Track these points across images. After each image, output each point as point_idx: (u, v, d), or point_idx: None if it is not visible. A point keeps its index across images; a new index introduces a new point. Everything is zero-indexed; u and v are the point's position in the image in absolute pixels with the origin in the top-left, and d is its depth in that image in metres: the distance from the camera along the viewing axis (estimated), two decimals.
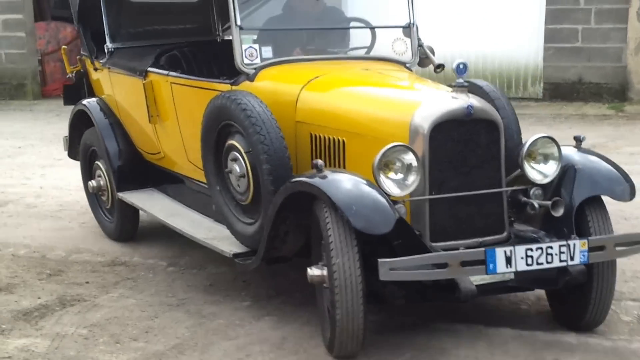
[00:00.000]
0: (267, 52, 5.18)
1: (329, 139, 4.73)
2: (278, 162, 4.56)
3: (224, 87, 5.18)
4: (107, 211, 6.60)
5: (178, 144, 5.76)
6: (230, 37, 5.23)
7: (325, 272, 4.19)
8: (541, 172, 4.53)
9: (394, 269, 3.92)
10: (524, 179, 4.54)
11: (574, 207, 4.43)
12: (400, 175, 4.21)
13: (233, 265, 5.07)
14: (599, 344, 4.52)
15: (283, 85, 5.06)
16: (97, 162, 6.57)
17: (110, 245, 6.39)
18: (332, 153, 4.73)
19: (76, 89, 6.98)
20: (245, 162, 4.75)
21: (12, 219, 7.27)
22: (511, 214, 4.58)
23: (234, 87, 5.13)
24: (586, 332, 4.62)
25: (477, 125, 4.39)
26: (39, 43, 14.82)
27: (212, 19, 6.72)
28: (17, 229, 6.93)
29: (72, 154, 7.01)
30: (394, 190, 4.18)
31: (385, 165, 4.18)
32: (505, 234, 4.48)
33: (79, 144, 6.81)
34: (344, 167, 4.64)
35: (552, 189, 4.55)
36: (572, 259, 4.18)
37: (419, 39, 5.59)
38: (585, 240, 4.21)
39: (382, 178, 4.15)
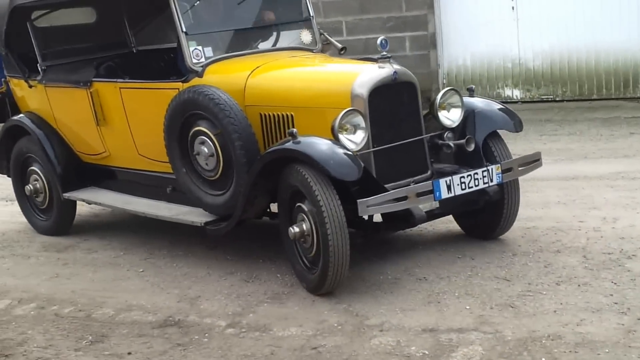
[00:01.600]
0: (209, 51, 6.20)
1: (278, 115, 5.82)
2: (247, 139, 5.61)
3: (176, 85, 6.15)
4: (42, 211, 7.51)
5: (127, 141, 6.66)
6: (146, 47, 6.72)
7: (305, 227, 5.26)
8: (449, 118, 5.82)
9: (370, 205, 5.07)
10: (438, 125, 5.82)
11: (480, 141, 5.77)
12: (352, 134, 5.35)
13: (303, 324, 4.97)
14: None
15: (230, 76, 6.08)
16: (31, 167, 7.39)
17: (165, 300, 5.61)
18: (282, 127, 5.81)
19: (1, 108, 7.70)
20: (213, 143, 5.75)
21: (68, 268, 6.57)
22: (431, 156, 5.84)
23: (185, 85, 6.10)
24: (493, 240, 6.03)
25: (401, 87, 5.62)
26: None
27: (126, 33, 7.62)
28: (69, 281, 6.24)
29: (2, 170, 7.75)
30: (351, 146, 5.32)
31: (340, 127, 5.32)
32: (429, 172, 5.74)
33: (7, 159, 7.57)
34: None
35: (460, 130, 5.85)
36: (491, 180, 5.49)
37: (319, 29, 6.77)
38: (499, 165, 5.55)
39: (342, 137, 5.29)
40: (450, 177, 5.35)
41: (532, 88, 12.17)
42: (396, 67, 5.59)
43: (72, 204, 7.29)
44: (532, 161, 5.75)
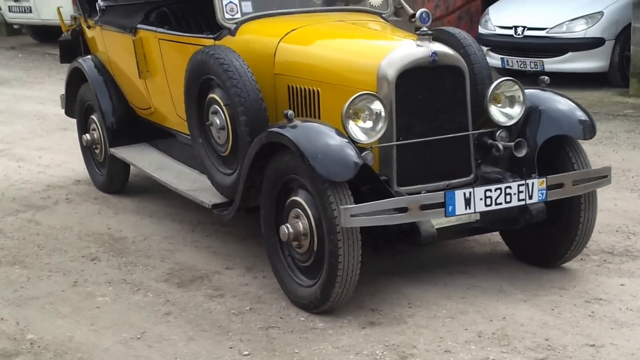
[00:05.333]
0: (247, 6, 5.37)
1: (305, 89, 4.93)
2: (254, 114, 4.77)
3: (207, 42, 5.38)
4: (100, 164, 6.87)
5: (167, 98, 5.98)
6: None
7: (301, 227, 4.40)
8: (506, 114, 4.72)
9: (355, 215, 4.11)
10: (491, 121, 4.74)
11: (537, 147, 4.63)
12: (369, 123, 4.39)
13: None
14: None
15: (262, 38, 5.25)
16: (92, 116, 6.82)
17: None
18: (308, 104, 4.93)
19: (72, 47, 7.20)
20: (224, 115, 4.97)
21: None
22: (479, 157, 4.78)
23: (217, 42, 5.32)
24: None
25: (443, 72, 4.57)
26: (426, 6, 12.56)
27: None
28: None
29: (69, 112, 7.26)
30: (361, 137, 4.37)
31: (354, 113, 4.37)
32: (472, 176, 4.68)
33: (75, 101, 7.07)
34: (319, 117, 4.85)
35: (517, 130, 4.74)
36: (530, 197, 4.38)
37: None
38: (544, 179, 4.41)
39: (351, 126, 4.35)
40: (471, 189, 4.29)
41: None
42: (437, 46, 4.55)
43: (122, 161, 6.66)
44: (596, 178, 4.57)
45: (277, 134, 4.40)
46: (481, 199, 4.30)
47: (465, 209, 4.28)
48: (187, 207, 6.08)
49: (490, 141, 4.73)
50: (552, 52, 10.58)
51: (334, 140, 4.26)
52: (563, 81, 9.51)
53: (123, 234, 5.92)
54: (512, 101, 4.72)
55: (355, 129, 4.36)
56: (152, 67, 6.06)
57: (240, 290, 4.89)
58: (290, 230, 4.45)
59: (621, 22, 10.45)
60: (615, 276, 4.86)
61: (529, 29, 10.70)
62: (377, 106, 4.38)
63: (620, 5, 10.53)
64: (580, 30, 10.52)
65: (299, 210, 4.47)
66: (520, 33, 10.74)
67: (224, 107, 4.96)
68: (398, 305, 4.54)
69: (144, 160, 6.26)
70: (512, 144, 4.60)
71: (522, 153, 4.58)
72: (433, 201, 4.24)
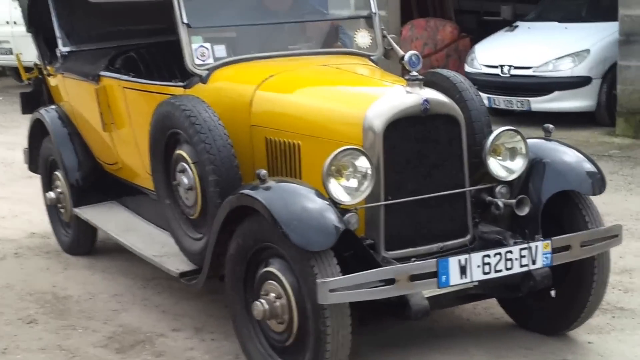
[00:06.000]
0: (220, 50, 4.88)
1: (285, 143, 4.46)
2: (225, 173, 4.28)
3: (176, 90, 4.91)
4: (65, 224, 6.30)
5: (134, 153, 5.48)
6: None
7: (278, 303, 3.88)
8: (507, 168, 4.28)
9: (334, 290, 3.58)
10: (489, 175, 4.29)
11: (542, 204, 4.19)
12: (353, 182, 3.92)
13: None
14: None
15: (237, 86, 4.78)
16: (55, 172, 6.28)
17: None
18: (288, 159, 4.46)
19: (34, 97, 6.71)
20: (193, 173, 4.49)
21: None
22: (476, 215, 4.32)
23: (187, 91, 4.86)
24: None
25: (436, 121, 4.13)
26: (414, 44, 12.48)
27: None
28: None
29: (33, 167, 6.71)
30: (344, 198, 3.89)
31: (337, 170, 3.90)
32: (468, 236, 4.23)
33: (39, 155, 6.54)
34: (300, 174, 4.38)
35: (520, 185, 4.30)
36: (534, 262, 3.92)
37: (382, 29, 5.30)
38: (549, 242, 3.95)
39: (332, 186, 3.87)
40: (467, 255, 3.80)
41: None
42: (429, 93, 4.11)
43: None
44: (606, 237, 4.12)
45: (247, 196, 3.90)
46: (479, 266, 3.81)
47: (461, 278, 3.79)
48: (143, 261, 5.57)
49: (489, 198, 4.28)
50: (538, 91, 10.26)
51: (313, 203, 3.77)
52: (550, 120, 9.09)
53: (68, 292, 5.43)
54: (513, 153, 4.28)
55: (338, 189, 3.88)
56: (118, 118, 5.57)
57: (183, 356, 4.43)
58: (266, 306, 3.92)
59: (608, 60, 10.18)
60: (583, 333, 4.46)
61: (516, 67, 10.41)
62: (362, 163, 3.91)
63: (607, 43, 10.24)
64: (566, 68, 10.28)
65: (274, 282, 3.93)
66: (507, 72, 10.45)
67: (192, 165, 4.48)
68: None
69: (110, 221, 5.71)
70: (514, 201, 4.15)
71: (524, 211, 4.13)
72: (424, 270, 3.73)
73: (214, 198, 4.28)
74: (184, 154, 4.52)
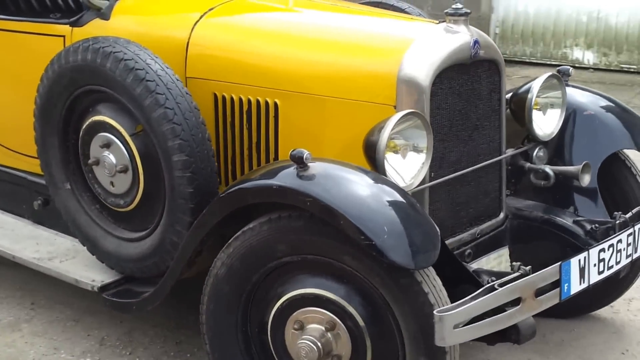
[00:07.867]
0: None
1: (251, 101, 3.20)
2: (197, 149, 2.98)
3: (59, 30, 3.44)
4: None
5: None
6: None
7: (334, 343, 2.69)
8: (542, 126, 3.36)
9: (458, 326, 2.45)
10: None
11: (596, 171, 3.34)
12: (413, 157, 2.81)
13: None
14: None
15: (162, 20, 3.42)
16: None
17: None
18: (255, 125, 3.22)
19: None
20: (129, 149, 3.12)
21: None
22: (510, 187, 3.41)
23: (75, 30, 3.41)
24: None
25: (479, 70, 3.11)
26: None
27: None
28: None
29: None
30: (406, 180, 2.79)
31: (388, 146, 2.76)
32: (502, 215, 3.31)
33: None
34: (276, 147, 3.18)
35: (554, 147, 3.41)
36: (636, 250, 3.06)
37: None
38: None
39: (392, 165, 2.75)
40: (585, 253, 2.85)
41: (611, 52, 9.32)
42: (476, 33, 3.06)
43: None
44: None
45: (290, 191, 2.58)
46: (595, 265, 2.88)
47: (580, 283, 2.83)
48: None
49: (528, 165, 3.35)
50: None
51: (391, 197, 2.57)
52: None
53: None
54: (545, 105, 3.38)
55: (400, 169, 2.76)
56: None
57: None
58: (318, 344, 2.68)
59: None
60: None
61: None
62: (419, 133, 2.81)
63: None
64: None
65: (321, 310, 2.70)
66: None
67: (128, 138, 3.10)
68: None
69: None
70: (573, 168, 3.25)
71: (586, 181, 3.25)
72: (547, 281, 2.71)
73: (182, 185, 2.96)
74: (111, 122, 3.12)
